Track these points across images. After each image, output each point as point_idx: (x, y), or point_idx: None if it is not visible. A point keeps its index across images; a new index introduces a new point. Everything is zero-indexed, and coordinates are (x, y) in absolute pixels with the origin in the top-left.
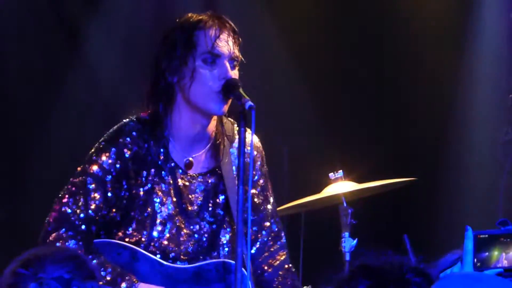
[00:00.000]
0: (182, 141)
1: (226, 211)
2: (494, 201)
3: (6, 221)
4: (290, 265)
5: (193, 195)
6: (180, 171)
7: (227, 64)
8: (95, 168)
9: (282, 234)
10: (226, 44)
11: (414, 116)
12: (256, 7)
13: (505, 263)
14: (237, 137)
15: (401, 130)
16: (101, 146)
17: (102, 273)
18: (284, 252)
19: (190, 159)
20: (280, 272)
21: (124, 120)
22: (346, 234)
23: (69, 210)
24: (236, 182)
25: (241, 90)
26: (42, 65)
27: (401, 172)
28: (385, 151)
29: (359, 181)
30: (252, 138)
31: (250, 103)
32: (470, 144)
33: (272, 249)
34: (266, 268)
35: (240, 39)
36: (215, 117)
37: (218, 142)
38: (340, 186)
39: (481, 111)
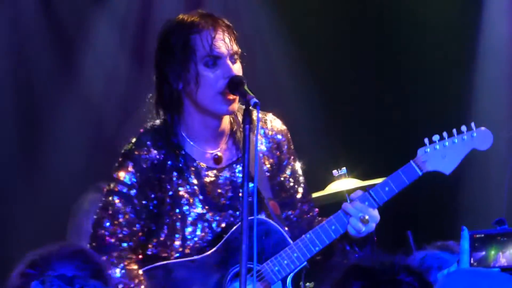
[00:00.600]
0: (200, 140)
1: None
2: (498, 198)
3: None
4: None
5: (221, 189)
6: (205, 168)
7: (229, 62)
8: (118, 186)
9: (312, 213)
10: (224, 43)
11: (418, 113)
12: (262, 7)
13: (503, 261)
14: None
15: (404, 127)
16: (119, 162)
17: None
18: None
19: (219, 153)
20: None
21: (140, 131)
22: None
23: (106, 233)
24: (263, 167)
25: (245, 87)
26: (46, 66)
27: None
28: (389, 148)
29: (363, 178)
30: (258, 124)
31: (255, 99)
32: None
33: (300, 226)
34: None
35: (235, 32)
36: None
37: (234, 130)
38: (343, 183)
39: (485, 108)
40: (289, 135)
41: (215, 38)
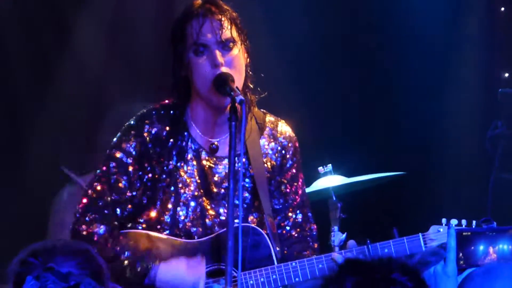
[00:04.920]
0: (203, 125)
1: (253, 195)
2: (484, 195)
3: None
4: (307, 252)
5: (218, 177)
6: (205, 153)
7: (216, 52)
8: (117, 153)
9: (308, 227)
10: (211, 31)
11: (403, 111)
12: (251, 8)
13: (494, 256)
14: (267, 127)
15: (390, 124)
16: (122, 131)
17: (121, 256)
18: (304, 244)
19: (216, 143)
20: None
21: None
22: (336, 228)
23: (95, 195)
24: (263, 167)
25: (231, 84)
26: (31, 58)
27: (390, 166)
28: (374, 145)
29: (348, 175)
30: (244, 121)
31: (240, 97)
32: (459, 138)
33: (293, 239)
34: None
35: (233, 19)
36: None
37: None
38: (329, 180)
39: (471, 105)
40: (297, 144)
41: (202, 26)
